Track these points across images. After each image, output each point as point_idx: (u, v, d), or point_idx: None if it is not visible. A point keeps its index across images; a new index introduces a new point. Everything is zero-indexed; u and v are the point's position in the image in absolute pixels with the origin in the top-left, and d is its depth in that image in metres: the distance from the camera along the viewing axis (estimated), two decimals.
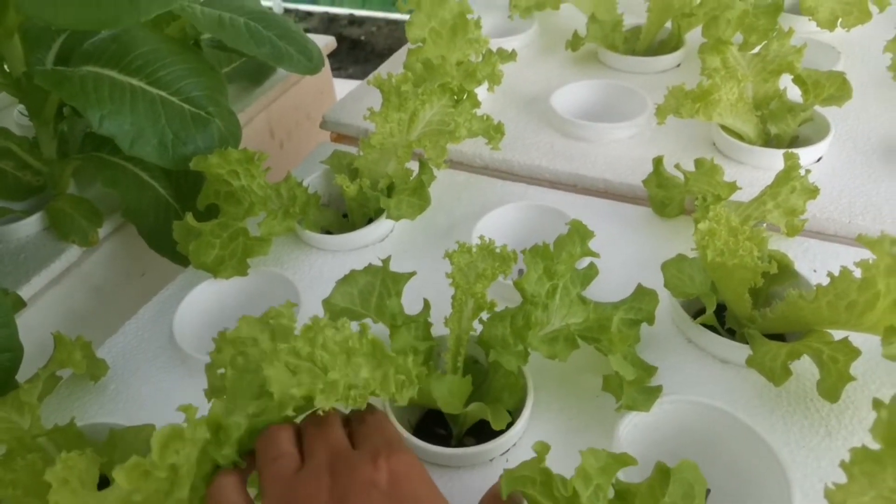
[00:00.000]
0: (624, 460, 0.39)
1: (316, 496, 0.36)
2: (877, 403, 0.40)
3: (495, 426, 0.48)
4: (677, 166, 0.69)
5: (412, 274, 0.55)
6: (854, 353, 0.50)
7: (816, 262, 0.67)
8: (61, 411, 0.58)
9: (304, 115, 1.14)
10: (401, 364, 0.41)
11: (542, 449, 0.39)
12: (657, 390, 0.51)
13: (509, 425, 0.51)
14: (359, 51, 2.92)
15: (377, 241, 0.74)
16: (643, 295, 0.57)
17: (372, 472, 0.37)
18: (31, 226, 0.80)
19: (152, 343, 0.64)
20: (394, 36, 2.96)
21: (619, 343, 0.49)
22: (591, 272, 0.57)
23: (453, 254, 0.49)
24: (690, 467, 0.39)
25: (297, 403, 0.38)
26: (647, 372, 0.54)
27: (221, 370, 0.42)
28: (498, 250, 0.48)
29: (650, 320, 0.56)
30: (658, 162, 0.72)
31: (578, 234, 0.56)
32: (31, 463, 0.45)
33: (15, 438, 0.49)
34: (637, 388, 0.50)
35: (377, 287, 0.54)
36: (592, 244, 0.65)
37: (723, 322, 0.61)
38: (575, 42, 1.00)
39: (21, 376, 0.56)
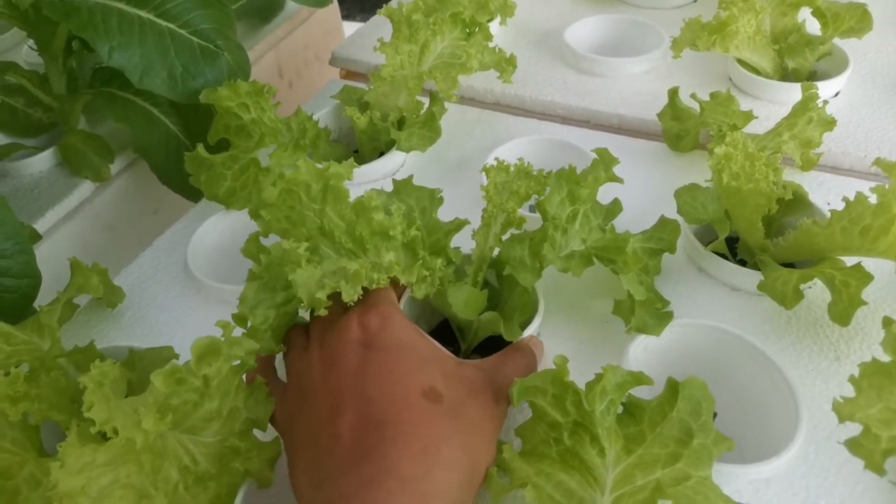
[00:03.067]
0: (640, 378, 0.40)
1: (311, 367, 0.39)
2: (887, 321, 0.40)
3: (507, 337, 0.48)
4: (693, 96, 0.68)
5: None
6: (867, 277, 0.50)
7: (831, 196, 0.66)
8: (80, 337, 0.59)
9: (312, 55, 1.13)
10: (429, 261, 0.44)
11: (563, 361, 0.40)
12: (668, 316, 0.51)
13: None
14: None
15: (388, 175, 0.73)
16: (665, 225, 0.57)
17: (352, 331, 0.39)
18: (43, 161, 0.80)
19: (168, 272, 0.65)
20: None
21: (633, 263, 0.49)
22: (616, 208, 0.57)
23: (490, 169, 0.50)
24: (699, 384, 0.40)
25: (324, 303, 0.41)
26: (659, 299, 0.54)
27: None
28: (535, 172, 0.50)
29: (671, 249, 0.56)
30: (674, 93, 0.71)
31: (604, 162, 0.56)
32: (54, 379, 0.46)
33: (37, 359, 0.50)
34: (648, 311, 0.50)
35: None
36: None
37: (735, 254, 0.61)
38: None
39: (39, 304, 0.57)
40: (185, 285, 0.63)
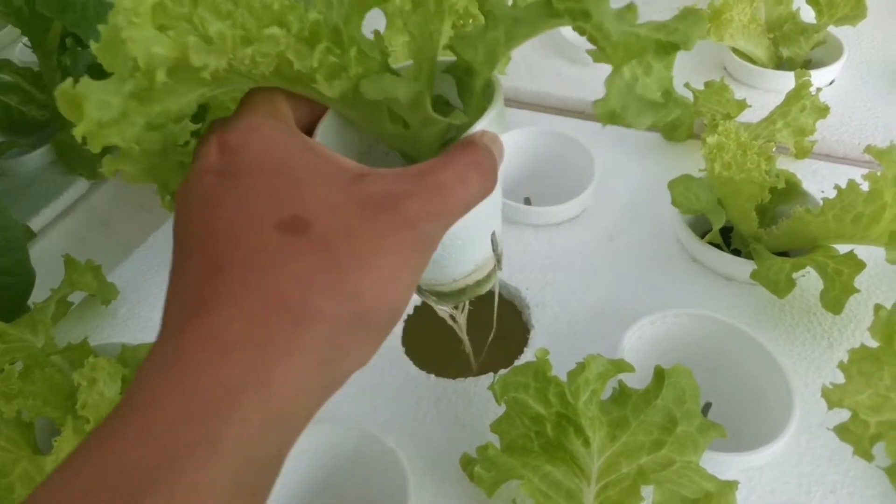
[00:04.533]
0: (621, 366, 0.40)
1: (180, 198, 0.30)
2: (878, 307, 0.40)
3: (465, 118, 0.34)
4: (687, 85, 0.68)
5: None
6: (859, 265, 0.50)
7: (825, 184, 0.66)
8: (74, 333, 0.59)
9: None
10: (338, 46, 0.29)
11: (543, 354, 0.40)
12: (660, 106, 0.31)
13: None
14: None
15: None
16: (686, 16, 0.34)
17: (209, 155, 0.29)
18: (38, 159, 0.80)
19: (161, 269, 0.65)
20: None
21: (625, 52, 0.31)
22: None
23: None
24: (684, 372, 0.40)
25: (169, 67, 0.27)
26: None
27: None
28: None
29: (687, 44, 0.34)
30: None
31: None
32: (48, 376, 0.47)
33: (31, 356, 0.50)
34: (635, 96, 0.31)
35: None
36: (600, 170, 0.65)
37: (729, 244, 0.61)
38: None
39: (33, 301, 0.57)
40: None
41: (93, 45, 0.28)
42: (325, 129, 0.33)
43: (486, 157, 0.30)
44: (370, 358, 0.28)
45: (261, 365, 0.24)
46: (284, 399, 0.24)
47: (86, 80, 0.27)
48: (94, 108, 0.28)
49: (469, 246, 0.35)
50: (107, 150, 0.30)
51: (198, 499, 0.22)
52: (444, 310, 0.42)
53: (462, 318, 0.43)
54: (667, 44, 0.33)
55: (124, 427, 0.23)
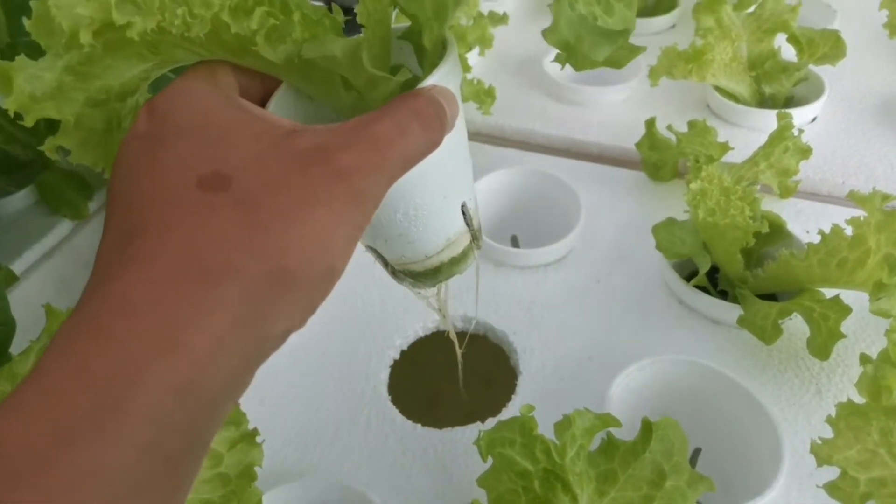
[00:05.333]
0: (608, 421, 0.40)
1: (112, 170, 0.28)
2: (864, 358, 0.40)
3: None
4: (669, 127, 0.68)
5: None
6: (845, 310, 0.50)
7: (810, 224, 0.67)
8: None
9: None
10: (281, 10, 0.28)
11: (528, 410, 0.39)
12: (615, 36, 0.29)
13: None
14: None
15: None
16: None
17: (139, 121, 0.28)
18: (21, 200, 0.79)
19: None
20: None
21: None
22: None
23: None
24: (671, 424, 0.39)
25: (95, 29, 0.26)
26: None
27: None
28: None
29: None
30: (650, 124, 0.71)
31: None
32: None
33: None
34: (589, 25, 0.29)
35: None
36: (585, 209, 0.65)
37: (716, 285, 0.61)
38: None
39: (14, 350, 0.56)
40: None
41: (25, 22, 0.27)
42: (279, 104, 0.31)
43: (430, 107, 0.28)
44: (303, 320, 0.26)
45: (171, 328, 0.22)
46: (198, 363, 0.22)
47: (20, 57, 0.27)
48: (24, 80, 0.27)
49: (437, 216, 0.32)
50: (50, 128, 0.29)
51: (98, 469, 0.21)
52: (424, 295, 0.39)
53: (445, 307, 0.41)
54: None
55: (20, 403, 0.22)
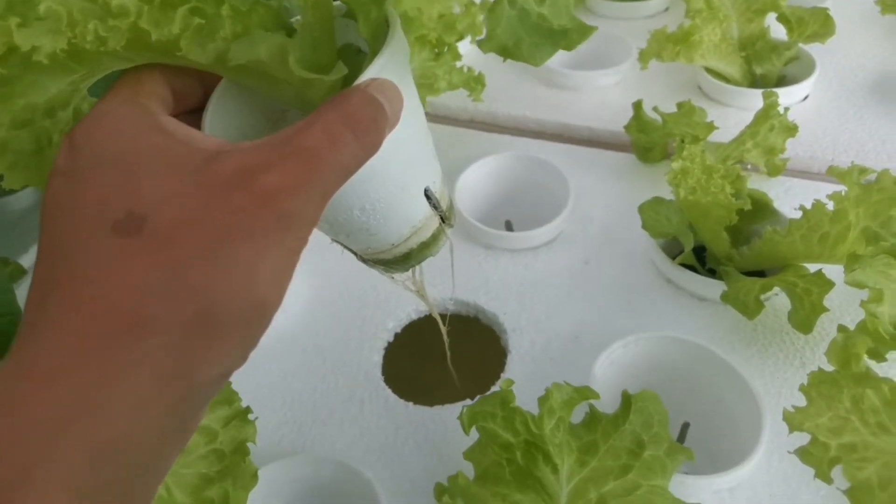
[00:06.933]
0: (585, 394, 0.41)
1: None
2: (840, 329, 0.41)
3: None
4: (655, 109, 0.69)
5: None
6: (828, 284, 0.50)
7: (798, 201, 0.67)
8: None
9: None
10: (207, 5, 0.25)
11: (508, 384, 0.41)
12: (563, 34, 0.28)
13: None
14: None
15: None
16: None
17: (61, 153, 0.26)
18: (27, 197, 0.81)
19: None
20: None
21: None
22: None
23: None
24: (651, 397, 0.41)
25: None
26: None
27: None
28: None
29: None
30: (638, 106, 0.72)
31: None
32: None
33: None
34: (530, 25, 0.28)
35: None
36: (576, 192, 0.66)
37: (704, 264, 0.61)
38: None
39: None
40: None
41: None
42: (220, 100, 0.29)
43: (365, 109, 0.25)
44: (242, 359, 0.24)
45: (86, 390, 0.21)
46: (117, 423, 0.21)
47: None
48: None
49: (397, 207, 0.30)
50: None
51: None
52: (399, 280, 0.38)
53: (423, 289, 0.40)
54: None
55: None
